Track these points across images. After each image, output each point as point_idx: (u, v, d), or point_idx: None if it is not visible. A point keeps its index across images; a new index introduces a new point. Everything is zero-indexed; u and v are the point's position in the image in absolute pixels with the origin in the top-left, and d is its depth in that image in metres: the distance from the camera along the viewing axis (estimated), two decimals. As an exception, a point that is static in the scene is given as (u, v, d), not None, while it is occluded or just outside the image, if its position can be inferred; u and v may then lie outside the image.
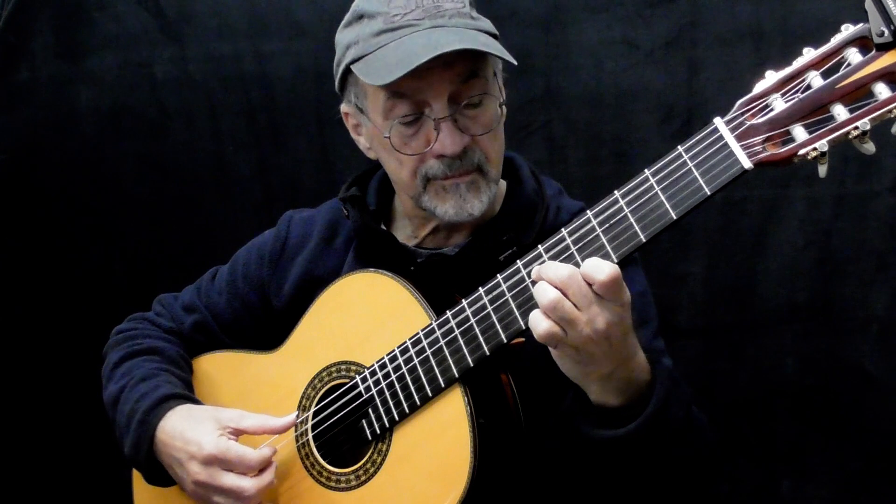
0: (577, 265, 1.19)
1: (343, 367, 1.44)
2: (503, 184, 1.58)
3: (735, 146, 1.12)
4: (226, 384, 1.63)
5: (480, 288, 1.29)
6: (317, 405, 1.47)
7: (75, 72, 2.55)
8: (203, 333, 1.69)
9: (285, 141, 2.48)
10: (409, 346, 1.35)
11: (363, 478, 1.39)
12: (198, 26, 2.47)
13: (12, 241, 2.64)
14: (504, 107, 1.48)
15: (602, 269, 1.12)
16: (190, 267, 1.83)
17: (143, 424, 1.48)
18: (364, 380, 1.40)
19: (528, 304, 1.24)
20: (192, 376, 1.66)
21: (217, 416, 1.46)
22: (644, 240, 1.18)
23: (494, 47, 1.37)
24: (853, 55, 1.08)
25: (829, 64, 1.10)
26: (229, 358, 1.64)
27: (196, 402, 1.55)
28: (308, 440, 1.47)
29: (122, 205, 2.59)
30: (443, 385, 1.31)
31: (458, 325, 1.30)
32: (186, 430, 1.44)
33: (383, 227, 1.58)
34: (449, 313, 1.31)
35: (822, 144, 1.08)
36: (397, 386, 1.36)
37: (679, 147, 1.16)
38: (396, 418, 1.36)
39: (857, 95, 1.08)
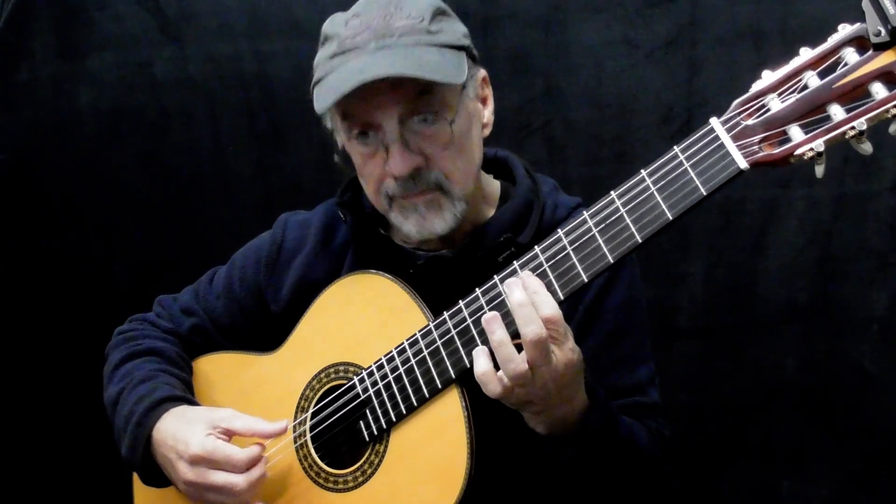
0: (574, 266, 1.20)
1: (341, 368, 1.44)
2: (497, 185, 1.58)
3: (731, 146, 1.12)
4: (225, 385, 1.62)
5: (477, 289, 1.29)
6: (315, 406, 1.46)
7: (75, 72, 2.55)
8: (200, 336, 1.69)
9: (285, 141, 2.48)
10: (407, 348, 1.35)
11: (361, 479, 1.39)
12: (198, 26, 2.47)
13: (12, 241, 2.64)
14: (484, 106, 1.47)
15: (528, 329, 1.17)
16: (190, 267, 1.83)
17: (139, 426, 1.48)
18: (362, 381, 1.40)
19: None
20: (192, 377, 1.66)
21: (208, 417, 1.45)
22: (640, 240, 1.18)
23: (431, 68, 1.32)
24: (850, 55, 1.08)
25: (826, 64, 1.09)
26: (228, 359, 1.64)
27: (194, 403, 1.55)
28: (306, 441, 1.47)
29: (122, 205, 2.59)
30: (440, 386, 1.31)
31: (455, 326, 1.30)
32: (177, 431, 1.43)
33: (381, 230, 1.58)
34: (446, 314, 1.31)
35: (819, 144, 1.08)
36: (395, 387, 1.36)
37: (675, 147, 1.16)
38: (394, 419, 1.36)
39: (855, 95, 1.07)
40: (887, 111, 1.04)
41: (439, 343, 1.31)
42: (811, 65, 1.10)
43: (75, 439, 2.60)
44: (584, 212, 1.21)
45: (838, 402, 2.19)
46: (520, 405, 1.25)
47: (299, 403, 1.48)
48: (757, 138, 1.11)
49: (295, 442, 1.48)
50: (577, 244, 1.21)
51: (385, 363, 1.37)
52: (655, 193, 1.16)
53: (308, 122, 2.39)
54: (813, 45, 1.11)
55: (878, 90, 1.05)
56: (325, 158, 2.44)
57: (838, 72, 1.08)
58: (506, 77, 2.24)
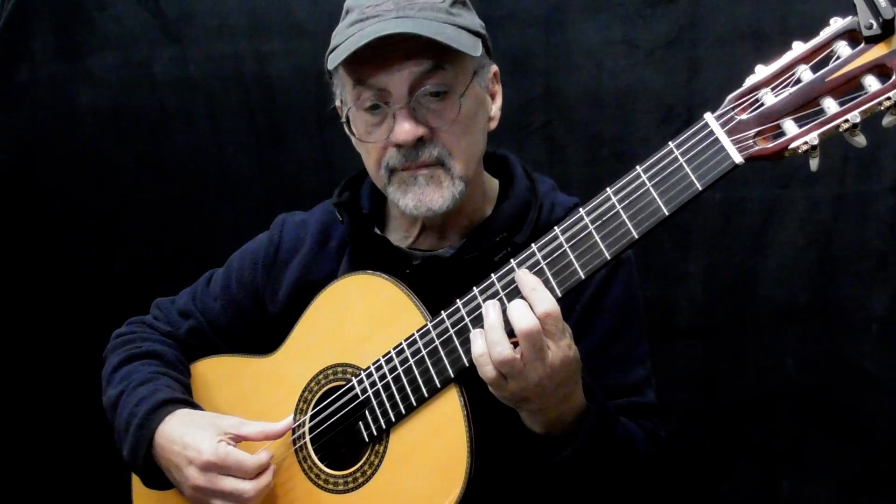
0: (571, 263, 1.21)
1: (340, 369, 1.44)
2: (496, 183, 1.58)
3: (726, 141, 1.12)
4: (223, 388, 1.62)
5: (475, 288, 1.29)
6: (314, 408, 1.46)
7: (75, 72, 2.55)
8: (198, 339, 1.69)
9: (285, 141, 2.48)
10: (405, 347, 1.35)
11: (361, 480, 1.39)
12: (198, 26, 2.47)
13: (12, 241, 2.64)
14: (493, 101, 1.50)
15: (524, 320, 1.18)
16: (190, 267, 1.83)
17: (141, 428, 1.48)
18: (361, 382, 1.40)
19: None
20: (190, 380, 1.66)
21: (217, 423, 1.46)
22: (637, 236, 1.18)
23: (448, 35, 1.35)
24: (842, 48, 1.08)
25: (819, 57, 1.10)
26: (226, 362, 1.64)
27: (195, 406, 1.55)
28: (306, 443, 1.46)
29: (122, 205, 2.59)
30: (439, 385, 1.31)
31: (453, 325, 1.30)
32: (186, 435, 1.43)
33: (377, 231, 1.58)
34: (444, 314, 1.31)
35: (813, 138, 1.08)
36: (393, 387, 1.36)
37: (670, 143, 1.16)
38: (393, 419, 1.36)
39: (847, 88, 1.08)
40: (880, 103, 1.05)
41: (437, 343, 1.31)
42: (804, 59, 1.10)
43: (75, 440, 2.59)
44: (581, 209, 1.21)
45: (838, 402, 2.20)
46: (516, 402, 1.25)
47: (298, 405, 1.48)
48: (751, 132, 1.12)
49: (294, 444, 1.47)
50: (573, 241, 1.21)
51: (384, 363, 1.37)
52: (651, 189, 1.16)
53: (308, 122, 2.39)
54: (806, 39, 1.11)
55: (871, 83, 1.06)
56: (324, 158, 2.45)
57: (831, 65, 1.08)
58: (506, 77, 2.23)
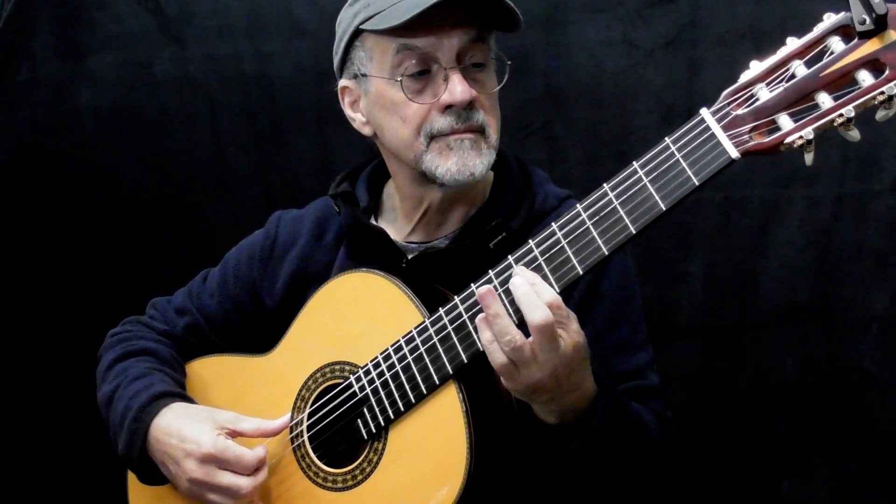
0: (569, 259, 1.21)
1: (337, 367, 1.44)
2: (491, 175, 1.59)
3: (722, 136, 1.13)
4: (220, 388, 1.62)
5: (473, 285, 1.28)
6: (312, 406, 1.46)
7: (75, 72, 2.55)
8: (195, 336, 1.69)
9: (285, 141, 2.48)
10: (403, 345, 1.34)
11: (359, 477, 1.39)
12: (198, 26, 2.47)
13: (12, 241, 2.64)
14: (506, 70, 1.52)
15: (535, 314, 1.17)
16: (190, 267, 1.83)
17: (136, 421, 1.48)
18: (359, 379, 1.40)
19: None
20: (186, 380, 1.66)
21: (214, 417, 1.46)
22: (634, 232, 1.18)
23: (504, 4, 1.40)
24: (836, 43, 1.08)
25: (813, 53, 1.10)
26: (222, 362, 1.64)
27: (190, 399, 1.55)
28: (304, 441, 1.46)
29: (122, 205, 2.59)
30: (437, 382, 1.31)
31: (451, 321, 1.30)
32: (183, 428, 1.43)
33: (374, 222, 1.58)
34: (441, 310, 1.31)
35: (808, 132, 1.08)
36: (392, 384, 1.35)
37: (667, 139, 1.16)
38: (391, 416, 1.35)
39: (841, 83, 1.08)
40: (874, 98, 1.05)
41: (435, 340, 1.31)
42: (798, 54, 1.11)
43: (75, 439, 2.59)
44: (578, 205, 1.21)
45: (838, 402, 2.20)
46: (529, 394, 1.24)
47: (296, 403, 1.48)
48: (747, 128, 1.12)
49: (293, 442, 1.47)
50: (571, 237, 1.21)
51: (381, 361, 1.37)
52: (648, 185, 1.17)
53: (308, 122, 2.39)
54: (800, 35, 1.11)
55: (865, 77, 1.06)
56: (324, 158, 2.45)
57: (825, 60, 1.09)
58: (506, 77, 2.24)
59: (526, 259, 1.24)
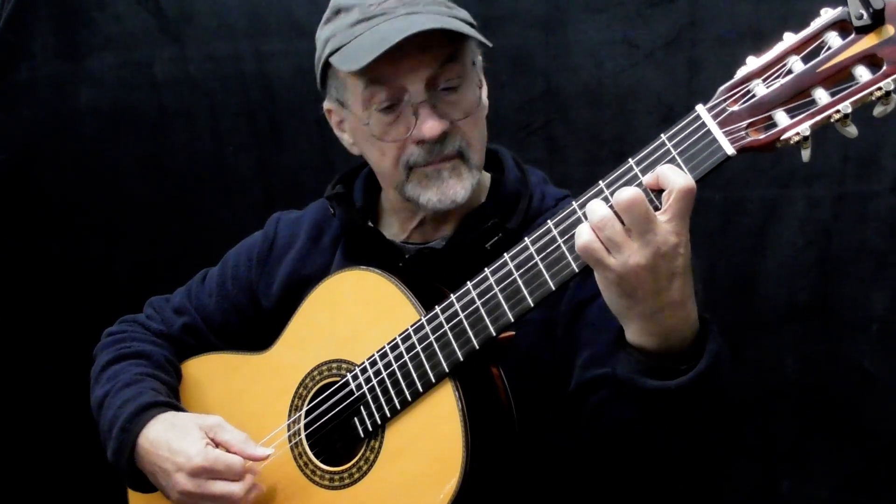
0: (564, 256, 1.19)
1: (334, 365, 1.44)
2: (488, 176, 1.59)
3: (718, 133, 1.12)
4: (216, 387, 1.62)
5: (468, 282, 1.28)
6: (309, 404, 1.46)
7: (75, 72, 2.55)
8: (193, 336, 1.69)
9: (285, 141, 2.48)
10: (399, 343, 1.34)
11: (357, 475, 1.39)
12: (198, 26, 2.47)
13: (12, 241, 2.64)
14: (483, 88, 1.50)
15: (678, 177, 1.08)
16: (190, 267, 1.83)
17: (124, 432, 1.48)
18: (355, 377, 1.40)
19: (515, 296, 1.24)
20: (181, 380, 1.66)
21: (200, 424, 1.45)
22: None
23: (469, 30, 1.38)
24: (833, 39, 1.08)
25: (810, 48, 1.09)
26: (219, 360, 1.64)
27: (179, 408, 1.55)
28: (301, 439, 1.46)
29: (122, 205, 2.59)
30: (433, 380, 1.31)
31: (447, 320, 1.30)
32: (172, 441, 1.43)
33: (370, 224, 1.58)
34: (438, 308, 1.31)
35: (805, 129, 1.07)
36: (388, 382, 1.35)
37: (662, 135, 1.15)
38: (388, 415, 1.35)
39: (838, 79, 1.07)
40: (871, 94, 1.05)
41: (432, 338, 1.31)
42: (795, 49, 1.10)
43: (74, 439, 2.59)
44: (574, 202, 1.20)
45: (838, 402, 2.19)
46: (626, 296, 1.12)
47: (293, 402, 1.48)
48: (743, 124, 1.11)
49: (290, 440, 1.48)
50: (567, 234, 1.20)
51: (378, 359, 1.37)
52: (644, 182, 1.15)
53: (308, 122, 2.40)
54: (797, 30, 1.11)
55: (862, 73, 1.06)
56: (324, 158, 2.45)
57: (822, 56, 1.08)
58: (506, 77, 2.24)
59: (521, 257, 1.23)
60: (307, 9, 2.38)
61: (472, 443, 1.27)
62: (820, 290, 2.18)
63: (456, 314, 1.29)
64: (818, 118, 1.07)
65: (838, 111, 1.06)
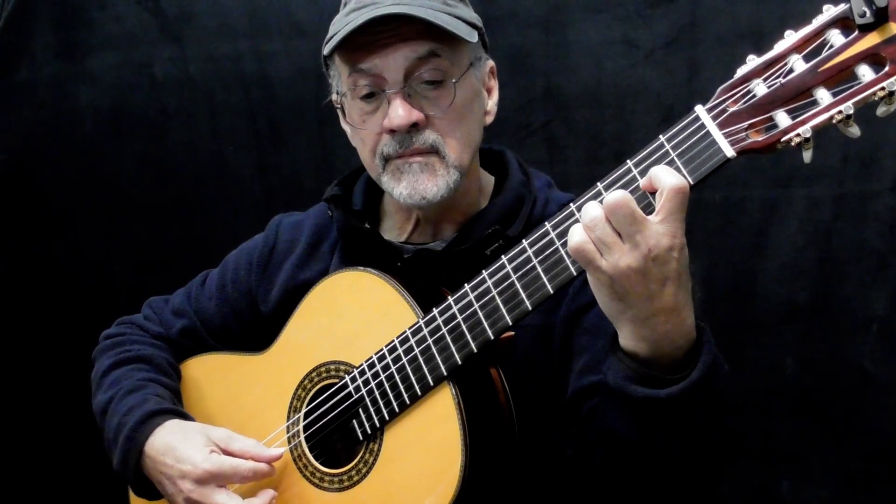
0: (562, 259, 1.19)
1: (332, 367, 1.44)
2: (491, 179, 1.58)
3: (717, 134, 1.10)
4: (215, 387, 1.62)
5: (466, 284, 1.28)
6: (307, 406, 1.46)
7: (75, 72, 2.55)
8: (191, 338, 1.69)
9: (285, 141, 2.48)
10: (398, 345, 1.34)
11: (356, 478, 1.39)
12: (198, 26, 2.47)
13: (12, 240, 2.64)
14: (490, 95, 1.50)
15: (670, 177, 1.06)
16: (189, 267, 1.83)
17: (130, 440, 1.47)
18: (353, 379, 1.39)
19: (513, 299, 1.23)
20: (181, 382, 1.66)
21: (207, 433, 1.45)
22: None
23: (444, 20, 1.37)
24: (835, 37, 1.05)
25: (811, 47, 1.07)
26: (218, 360, 1.64)
27: (184, 415, 1.54)
28: (300, 441, 1.46)
29: (122, 205, 2.59)
30: (431, 383, 1.30)
31: (445, 322, 1.29)
32: (178, 448, 1.42)
33: (368, 226, 1.58)
34: (436, 311, 1.31)
35: (806, 130, 1.05)
36: (386, 385, 1.35)
37: (661, 136, 1.13)
38: (387, 417, 1.35)
39: (841, 78, 1.05)
40: (874, 94, 1.02)
41: (430, 340, 1.31)
42: (796, 48, 1.08)
43: (75, 439, 2.59)
44: (572, 204, 1.20)
45: (838, 402, 2.19)
46: (618, 299, 1.11)
47: (292, 403, 1.48)
48: (744, 125, 1.09)
49: (289, 442, 1.47)
50: (565, 237, 1.18)
51: (376, 361, 1.37)
52: (642, 183, 1.13)
53: (308, 122, 2.39)
54: (798, 28, 1.09)
55: (865, 73, 1.03)
56: (324, 158, 2.45)
57: (824, 55, 1.06)
58: (506, 77, 2.23)
59: (519, 259, 1.23)
60: (307, 9, 2.38)
61: (471, 445, 1.26)
62: (820, 290, 2.17)
63: (454, 317, 1.29)
64: (820, 119, 1.05)
65: (840, 112, 1.03)
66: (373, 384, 1.37)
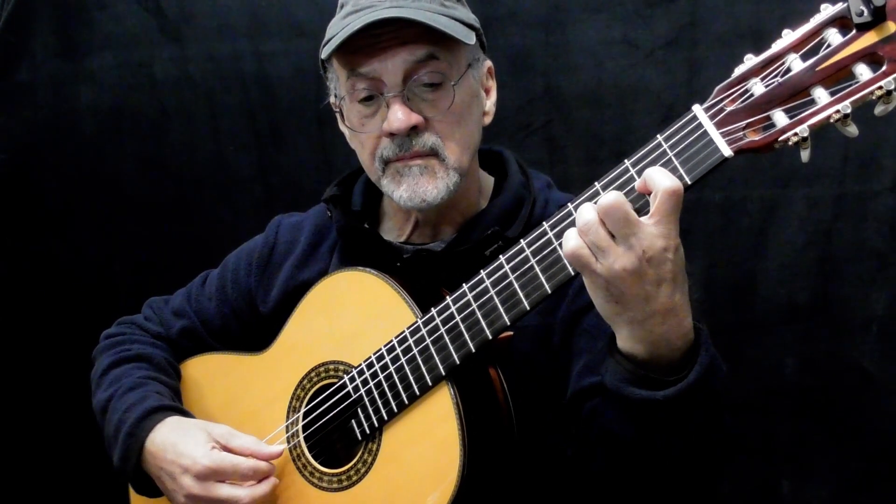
0: (560, 259, 1.18)
1: (331, 366, 1.44)
2: (491, 180, 1.58)
3: (714, 133, 1.09)
4: (214, 387, 1.62)
5: (464, 284, 1.28)
6: (307, 406, 1.46)
7: (75, 72, 2.55)
8: (191, 339, 1.69)
9: (285, 141, 2.48)
10: (396, 345, 1.34)
11: (354, 478, 1.39)
12: (198, 26, 2.47)
13: (12, 240, 2.64)
14: (488, 96, 1.51)
15: (664, 179, 1.06)
16: (189, 267, 1.83)
17: (130, 437, 1.48)
18: (353, 380, 1.39)
19: (511, 299, 1.23)
20: (180, 382, 1.66)
21: (209, 431, 1.45)
22: None
23: (442, 23, 1.37)
24: (833, 36, 1.05)
25: (809, 46, 1.07)
26: (217, 360, 1.64)
27: (184, 412, 1.55)
28: (299, 441, 1.46)
29: (122, 205, 2.59)
30: (430, 383, 1.30)
31: (444, 322, 1.29)
32: (178, 444, 1.43)
33: (367, 226, 1.58)
34: (434, 311, 1.31)
35: (804, 129, 1.05)
36: (385, 385, 1.35)
37: (658, 136, 1.13)
38: (385, 417, 1.35)
39: (838, 77, 1.05)
40: (872, 93, 1.02)
41: (428, 340, 1.31)
42: (794, 47, 1.08)
43: (75, 439, 2.59)
44: (570, 204, 1.20)
45: (838, 402, 2.19)
46: (615, 302, 1.11)
47: (291, 403, 1.48)
48: (741, 124, 1.08)
49: (289, 442, 1.47)
50: (563, 237, 1.16)
51: (375, 361, 1.37)
52: (637, 185, 1.13)
53: (308, 122, 2.40)
54: (795, 27, 1.08)
55: (863, 72, 1.03)
56: (324, 158, 2.45)
57: (821, 54, 1.05)
58: (506, 77, 2.24)
59: (517, 259, 1.23)
60: (307, 9, 2.38)
61: (470, 444, 1.27)
62: (820, 290, 2.17)
63: (452, 317, 1.29)
64: (817, 118, 1.04)
65: (838, 111, 1.03)
66: (371, 384, 1.37)
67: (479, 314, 1.26)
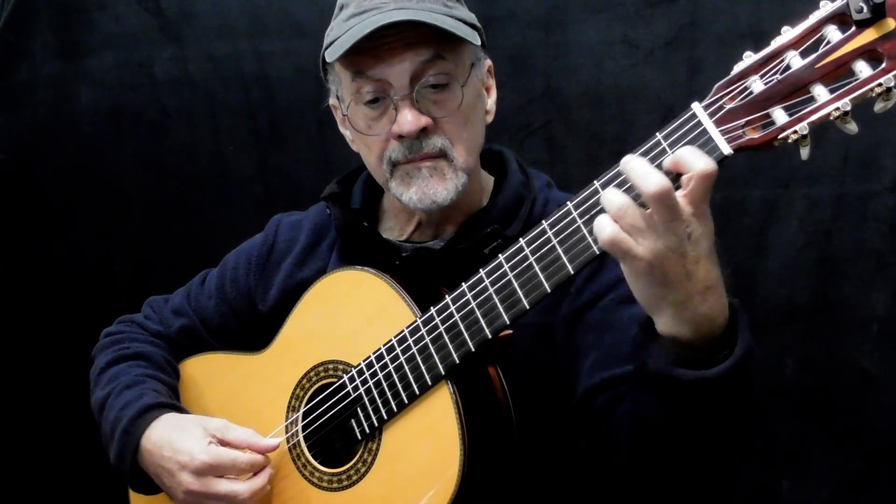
0: (559, 257, 1.18)
1: (331, 366, 1.44)
2: (491, 179, 1.58)
3: (714, 131, 1.09)
4: (214, 387, 1.62)
5: (464, 283, 1.28)
6: (306, 405, 1.46)
7: (75, 72, 2.55)
8: (190, 338, 1.69)
9: (285, 141, 2.48)
10: (395, 345, 1.34)
11: (354, 477, 1.39)
12: (198, 26, 2.47)
13: (12, 240, 2.64)
14: (489, 95, 1.51)
15: (699, 161, 1.03)
16: (190, 267, 1.83)
17: (127, 434, 1.47)
18: (352, 379, 1.39)
19: (511, 298, 1.23)
20: (179, 381, 1.66)
21: (204, 425, 1.45)
22: None
23: (449, 24, 1.37)
24: (832, 33, 1.04)
25: (808, 43, 1.06)
26: (217, 360, 1.64)
27: (181, 409, 1.54)
28: (299, 441, 1.46)
29: (122, 205, 2.59)
30: (429, 382, 1.30)
31: (443, 321, 1.29)
32: (175, 440, 1.43)
33: (365, 224, 1.57)
34: (433, 310, 1.30)
35: (803, 127, 1.04)
36: (384, 384, 1.35)
37: (657, 134, 1.12)
38: (385, 417, 1.35)
39: (838, 74, 1.04)
40: (871, 90, 1.01)
41: (427, 339, 1.30)
42: (793, 44, 1.07)
43: (75, 439, 2.59)
44: (569, 203, 1.19)
45: (838, 402, 2.19)
46: (658, 285, 1.08)
47: (290, 402, 1.48)
48: (740, 122, 1.07)
49: (288, 441, 1.47)
50: (562, 235, 1.18)
51: (374, 361, 1.36)
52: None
53: (308, 122, 2.40)
54: (794, 24, 1.08)
55: (862, 69, 1.02)
56: (324, 158, 2.45)
57: (821, 51, 1.04)
58: (506, 77, 2.24)
59: (516, 258, 1.22)
60: (307, 9, 2.38)
61: (470, 443, 1.26)
62: (820, 290, 2.17)
63: (451, 316, 1.28)
64: (817, 116, 1.04)
65: (838, 108, 1.02)
66: (371, 384, 1.37)
67: (478, 313, 1.26)
